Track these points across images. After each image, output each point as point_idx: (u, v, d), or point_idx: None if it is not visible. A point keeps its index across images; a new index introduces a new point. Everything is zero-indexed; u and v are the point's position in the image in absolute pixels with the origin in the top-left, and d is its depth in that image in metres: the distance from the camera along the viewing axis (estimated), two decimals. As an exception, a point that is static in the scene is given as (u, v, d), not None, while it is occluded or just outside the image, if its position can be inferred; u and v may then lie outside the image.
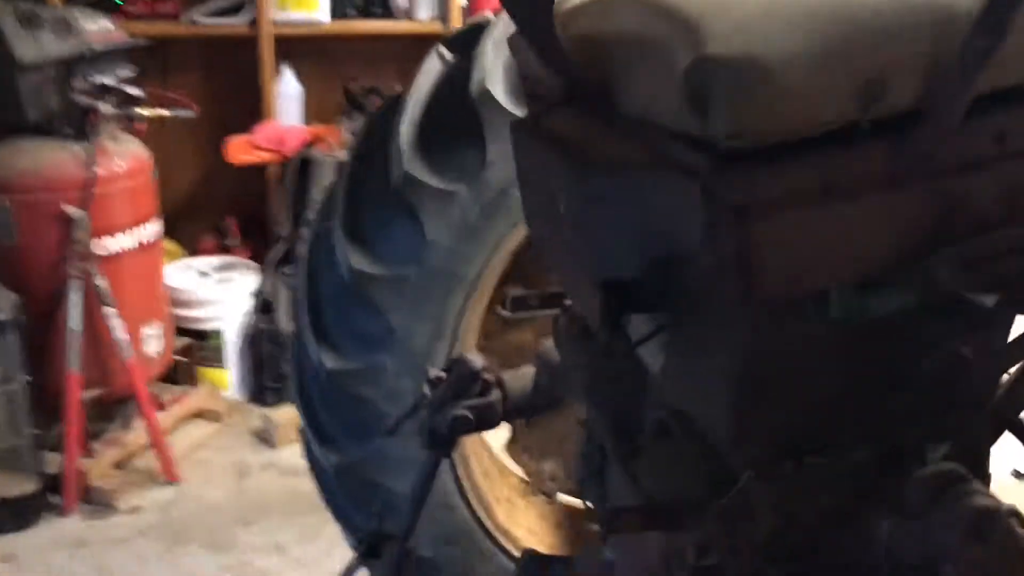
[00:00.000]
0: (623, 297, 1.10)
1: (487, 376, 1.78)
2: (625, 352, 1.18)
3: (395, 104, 2.06)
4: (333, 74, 4.43)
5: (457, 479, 2.22)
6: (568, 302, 1.52)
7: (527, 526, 2.44)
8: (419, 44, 4.55)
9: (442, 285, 2.02)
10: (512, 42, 1.37)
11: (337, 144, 4.00)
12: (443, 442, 1.77)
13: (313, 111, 4.37)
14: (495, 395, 1.78)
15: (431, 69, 2.03)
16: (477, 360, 1.77)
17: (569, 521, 2.59)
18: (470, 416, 1.74)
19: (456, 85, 1.98)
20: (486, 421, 1.77)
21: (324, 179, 3.98)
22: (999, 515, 0.89)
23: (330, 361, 2.05)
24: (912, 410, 1.08)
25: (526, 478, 2.56)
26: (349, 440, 2.13)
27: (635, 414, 1.37)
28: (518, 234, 2.04)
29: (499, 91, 1.93)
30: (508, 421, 1.80)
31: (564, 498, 2.62)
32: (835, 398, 1.07)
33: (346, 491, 2.18)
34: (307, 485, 3.57)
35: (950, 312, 1.01)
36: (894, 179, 0.90)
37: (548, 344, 1.83)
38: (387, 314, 2.01)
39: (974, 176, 0.93)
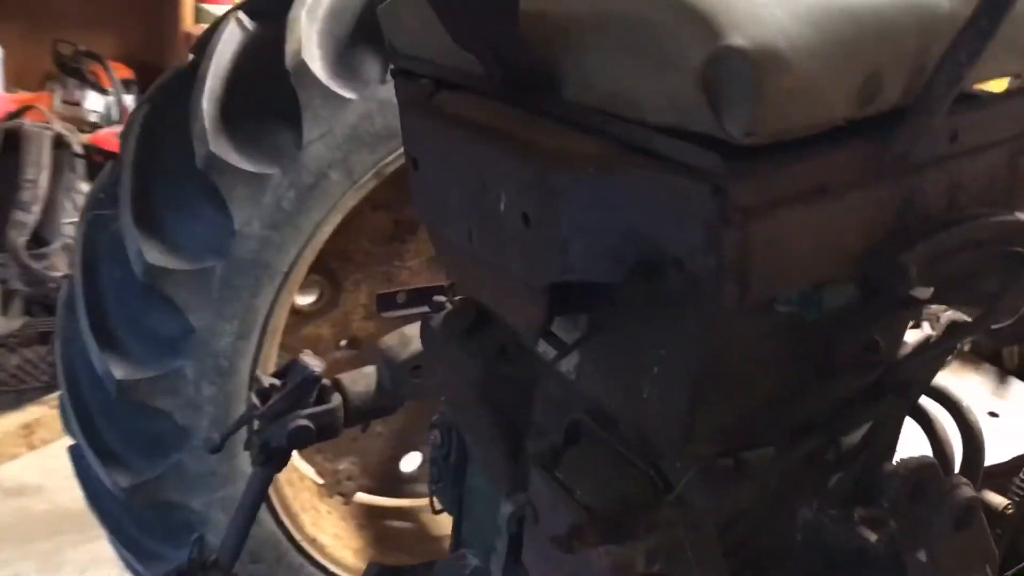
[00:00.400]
0: (564, 299, 1.03)
1: (326, 381, 1.63)
2: (558, 355, 1.11)
3: (185, 76, 1.82)
4: (38, 34, 3.88)
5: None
6: (439, 299, 1.42)
7: (332, 532, 2.29)
8: (139, 2, 4.13)
9: (251, 279, 1.82)
10: (393, 10, 1.24)
11: (51, 114, 3.51)
12: (280, 456, 1.60)
13: (14, 76, 3.80)
14: (335, 401, 1.63)
15: (231, 37, 1.81)
16: (315, 364, 1.61)
17: (370, 521, 2.47)
18: (311, 426, 1.58)
19: (264, 56, 1.78)
20: (327, 430, 1.62)
21: (37, 154, 3.49)
22: (978, 506, 0.93)
23: (119, 370, 1.79)
24: (838, 399, 1.11)
25: (319, 480, 2.40)
26: (142, 458, 1.87)
27: (540, 417, 1.30)
28: (333, 221, 1.89)
29: (317, 64, 1.76)
30: (348, 427, 1.65)
31: (362, 497, 2.50)
32: (773, 392, 1.07)
33: (137, 515, 1.92)
34: (40, 505, 3.14)
35: (874, 302, 1.04)
36: (874, 177, 0.90)
37: (389, 342, 1.71)
38: (187, 313, 1.78)
39: (930, 173, 0.95)
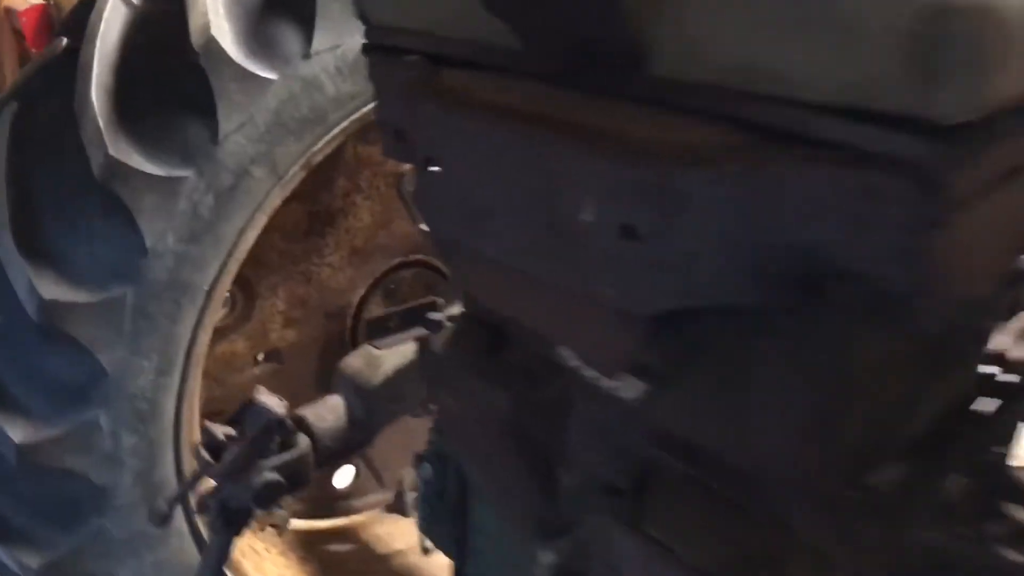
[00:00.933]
0: (669, 327, 0.84)
1: (289, 421, 1.37)
2: (651, 391, 0.90)
3: (61, 66, 1.49)
4: None
5: (198, 541, 1.74)
6: (436, 316, 1.19)
7: (276, 572, 2.02)
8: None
9: (169, 304, 1.53)
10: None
11: None
12: (243, 518, 1.34)
13: None
14: (303, 444, 1.38)
15: (115, 14, 1.48)
16: (274, 404, 1.35)
17: (312, 549, 2.21)
18: (280, 480, 1.33)
19: (161, 35, 1.47)
20: (297, 479, 1.36)
21: None
22: None
23: (17, 432, 1.47)
24: (954, 402, 0.96)
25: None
26: (54, 531, 1.56)
27: (577, 445, 1.10)
28: (258, 224, 1.61)
29: (228, 41, 1.47)
30: (318, 470, 1.41)
31: (297, 524, 2.23)
32: (902, 402, 0.91)
33: (53, 597, 1.61)
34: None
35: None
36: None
37: (355, 366, 1.46)
38: (96, 353, 1.48)
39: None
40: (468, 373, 1.14)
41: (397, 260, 2.17)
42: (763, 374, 0.85)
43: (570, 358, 1.07)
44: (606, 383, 0.96)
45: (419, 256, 2.20)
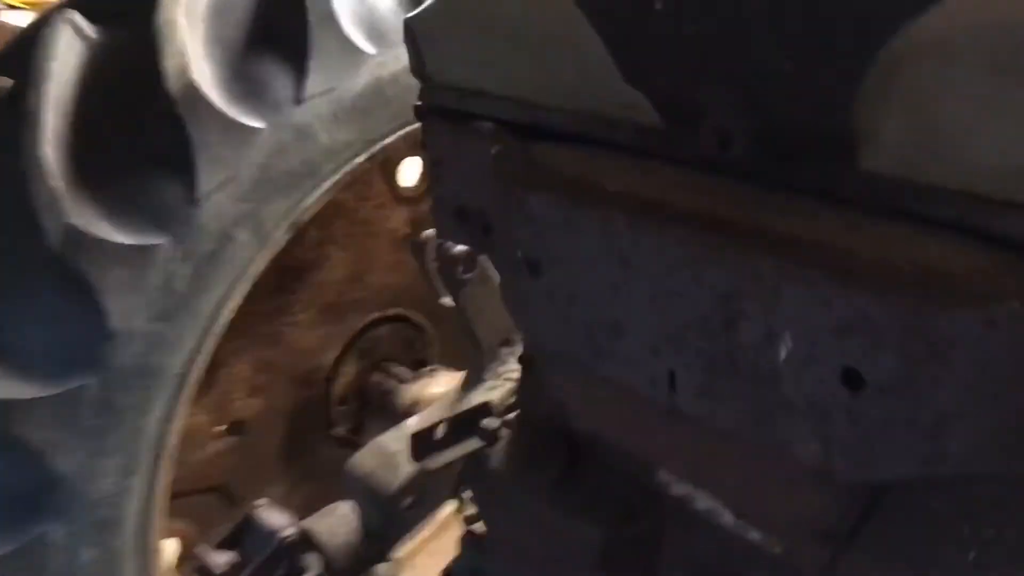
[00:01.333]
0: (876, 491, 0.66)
1: (295, 539, 1.15)
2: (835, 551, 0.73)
3: (6, 112, 1.23)
4: None
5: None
6: (491, 423, 0.99)
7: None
8: None
9: (137, 394, 1.29)
10: (435, 23, 0.80)
11: None
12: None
13: None
14: (314, 566, 1.16)
15: (68, 51, 1.23)
16: (280, 521, 1.13)
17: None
18: (291, 614, 1.11)
19: (125, 76, 1.24)
20: (310, 610, 1.14)
21: None
22: None
23: (-48, 557, 1.21)
24: None
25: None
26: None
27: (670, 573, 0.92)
28: (240, 293, 1.38)
29: (209, 84, 1.24)
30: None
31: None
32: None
33: None
34: None
35: None
36: None
37: (368, 466, 1.24)
38: (50, 458, 1.23)
39: None
40: (540, 499, 0.94)
41: (373, 315, 1.95)
42: (986, 542, 0.69)
43: (681, 489, 0.89)
44: (759, 539, 0.79)
45: (397, 310, 1.99)
